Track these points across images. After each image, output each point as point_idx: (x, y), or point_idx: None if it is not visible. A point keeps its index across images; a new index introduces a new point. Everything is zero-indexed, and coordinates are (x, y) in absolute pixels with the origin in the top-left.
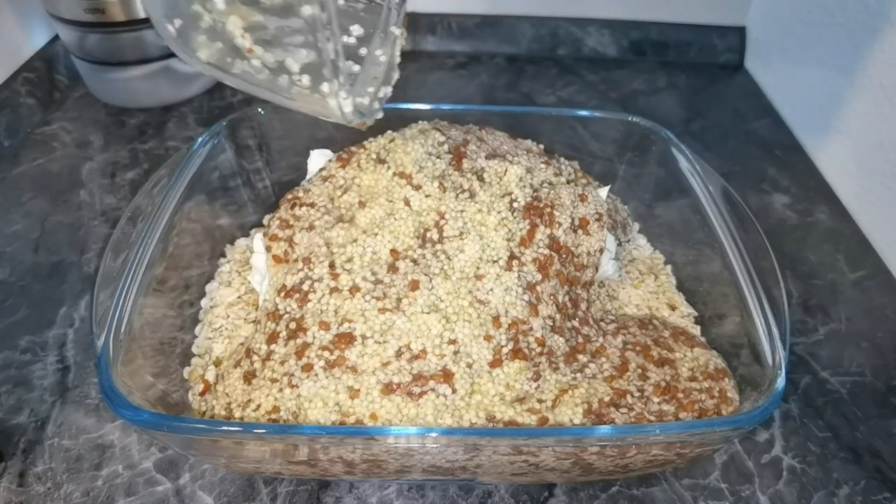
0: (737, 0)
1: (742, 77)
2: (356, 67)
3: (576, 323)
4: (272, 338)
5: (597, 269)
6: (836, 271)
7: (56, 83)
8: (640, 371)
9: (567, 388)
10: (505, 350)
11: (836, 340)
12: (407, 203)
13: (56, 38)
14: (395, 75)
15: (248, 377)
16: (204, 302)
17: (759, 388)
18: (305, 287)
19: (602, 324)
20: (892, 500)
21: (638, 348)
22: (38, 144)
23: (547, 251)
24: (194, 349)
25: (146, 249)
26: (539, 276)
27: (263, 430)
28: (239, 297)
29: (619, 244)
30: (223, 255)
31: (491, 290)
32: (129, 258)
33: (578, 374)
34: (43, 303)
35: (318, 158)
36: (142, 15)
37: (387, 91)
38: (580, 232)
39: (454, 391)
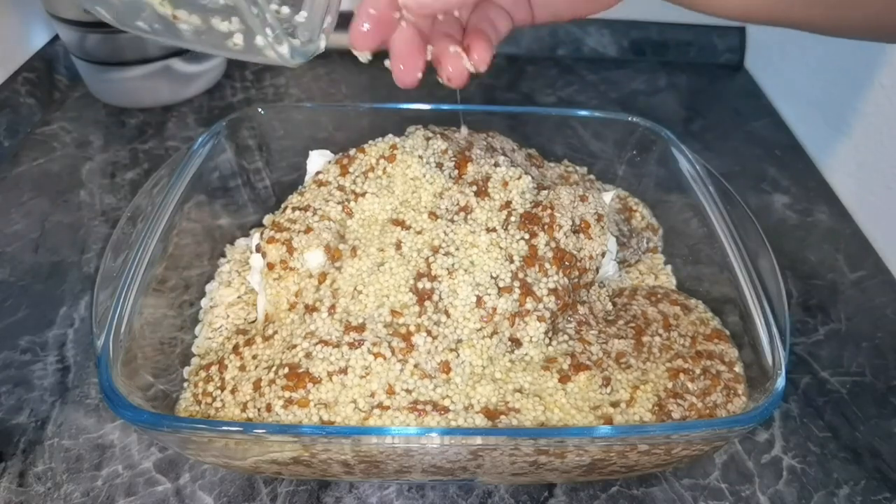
0: None
1: (742, 77)
2: (285, 9)
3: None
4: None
5: (597, 271)
6: (836, 271)
7: (56, 83)
8: (675, 322)
9: (638, 384)
10: (565, 366)
11: (836, 340)
12: (398, 247)
13: (56, 38)
14: (336, 3)
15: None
16: (204, 302)
17: (759, 388)
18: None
19: (618, 301)
20: (892, 500)
21: (660, 295)
22: (38, 144)
23: (557, 276)
24: (194, 349)
25: (146, 249)
26: (558, 307)
27: (263, 430)
28: (239, 297)
29: (639, 258)
30: (223, 255)
31: (526, 342)
32: (129, 258)
33: (648, 363)
34: (43, 303)
35: (318, 159)
36: None
37: (329, 21)
38: (582, 235)
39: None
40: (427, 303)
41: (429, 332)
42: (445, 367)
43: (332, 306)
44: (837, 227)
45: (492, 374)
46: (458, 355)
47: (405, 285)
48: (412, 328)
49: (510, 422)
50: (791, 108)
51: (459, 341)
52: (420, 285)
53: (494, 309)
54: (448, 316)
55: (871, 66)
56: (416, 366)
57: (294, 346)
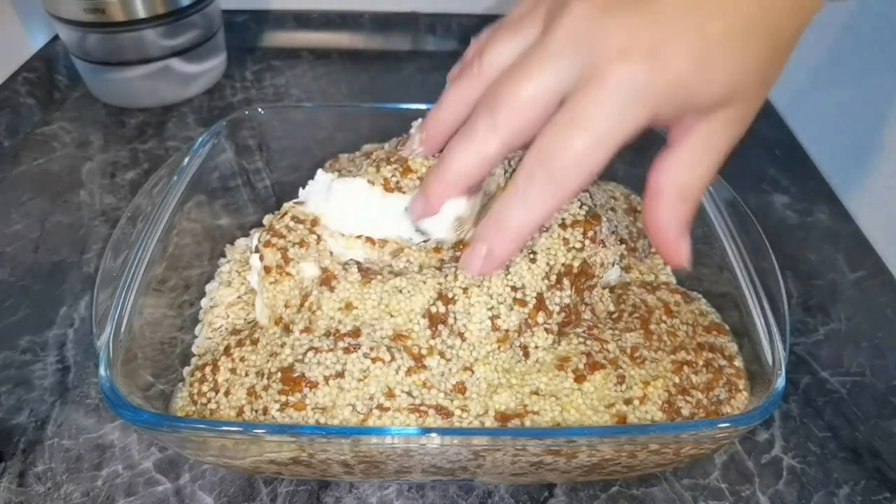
0: None
1: None
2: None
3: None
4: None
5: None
6: (836, 271)
7: (56, 83)
8: (677, 309)
9: (649, 379)
10: (581, 365)
11: (836, 340)
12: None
13: (56, 38)
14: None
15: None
16: (204, 302)
17: (760, 387)
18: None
19: (610, 294)
20: (892, 500)
21: (657, 284)
22: (38, 144)
23: (569, 291)
24: (194, 349)
25: (146, 249)
26: (563, 321)
27: (263, 430)
28: (239, 297)
29: (641, 260)
30: (223, 255)
31: (532, 349)
32: (129, 258)
33: (659, 352)
34: (43, 303)
35: (321, 179)
36: (142, 15)
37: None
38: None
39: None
40: (441, 326)
41: (441, 355)
42: (461, 388)
43: (307, 328)
44: (837, 227)
45: (508, 381)
46: (473, 373)
47: (419, 311)
48: (423, 350)
49: (523, 423)
50: (791, 108)
51: (476, 360)
52: (434, 309)
53: (507, 330)
54: (462, 336)
55: (872, 66)
56: (424, 382)
57: (276, 354)
